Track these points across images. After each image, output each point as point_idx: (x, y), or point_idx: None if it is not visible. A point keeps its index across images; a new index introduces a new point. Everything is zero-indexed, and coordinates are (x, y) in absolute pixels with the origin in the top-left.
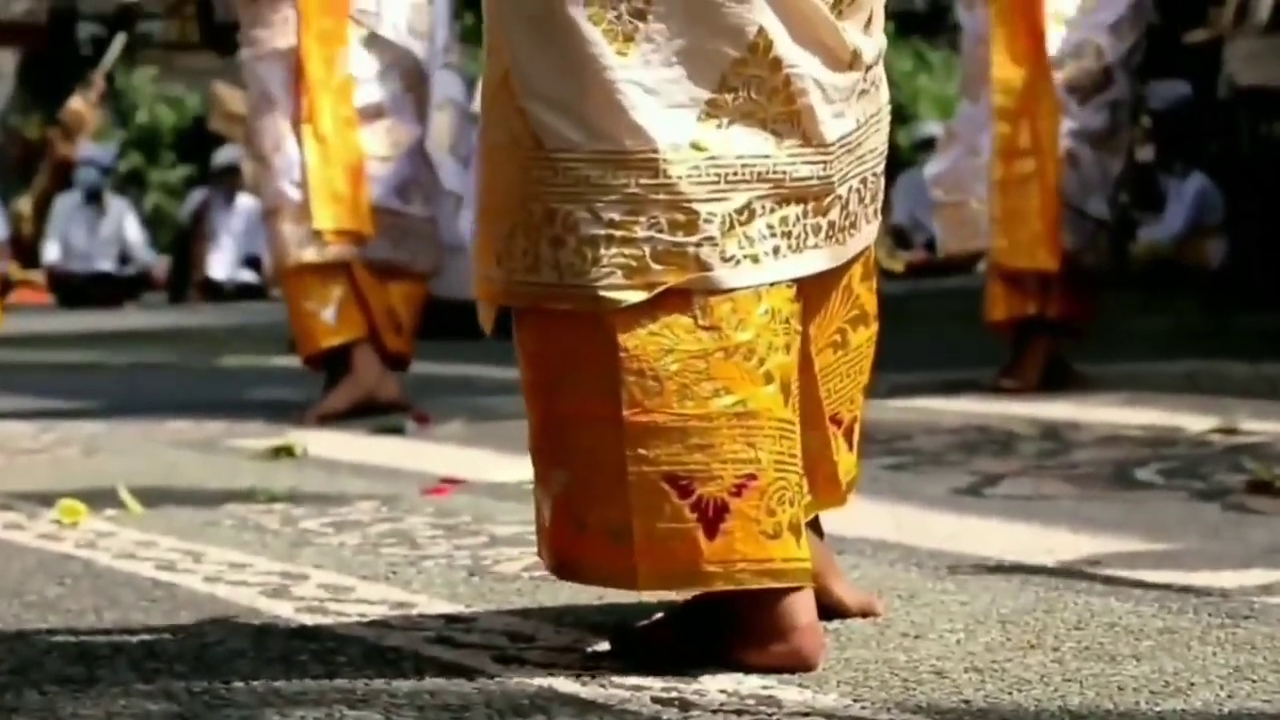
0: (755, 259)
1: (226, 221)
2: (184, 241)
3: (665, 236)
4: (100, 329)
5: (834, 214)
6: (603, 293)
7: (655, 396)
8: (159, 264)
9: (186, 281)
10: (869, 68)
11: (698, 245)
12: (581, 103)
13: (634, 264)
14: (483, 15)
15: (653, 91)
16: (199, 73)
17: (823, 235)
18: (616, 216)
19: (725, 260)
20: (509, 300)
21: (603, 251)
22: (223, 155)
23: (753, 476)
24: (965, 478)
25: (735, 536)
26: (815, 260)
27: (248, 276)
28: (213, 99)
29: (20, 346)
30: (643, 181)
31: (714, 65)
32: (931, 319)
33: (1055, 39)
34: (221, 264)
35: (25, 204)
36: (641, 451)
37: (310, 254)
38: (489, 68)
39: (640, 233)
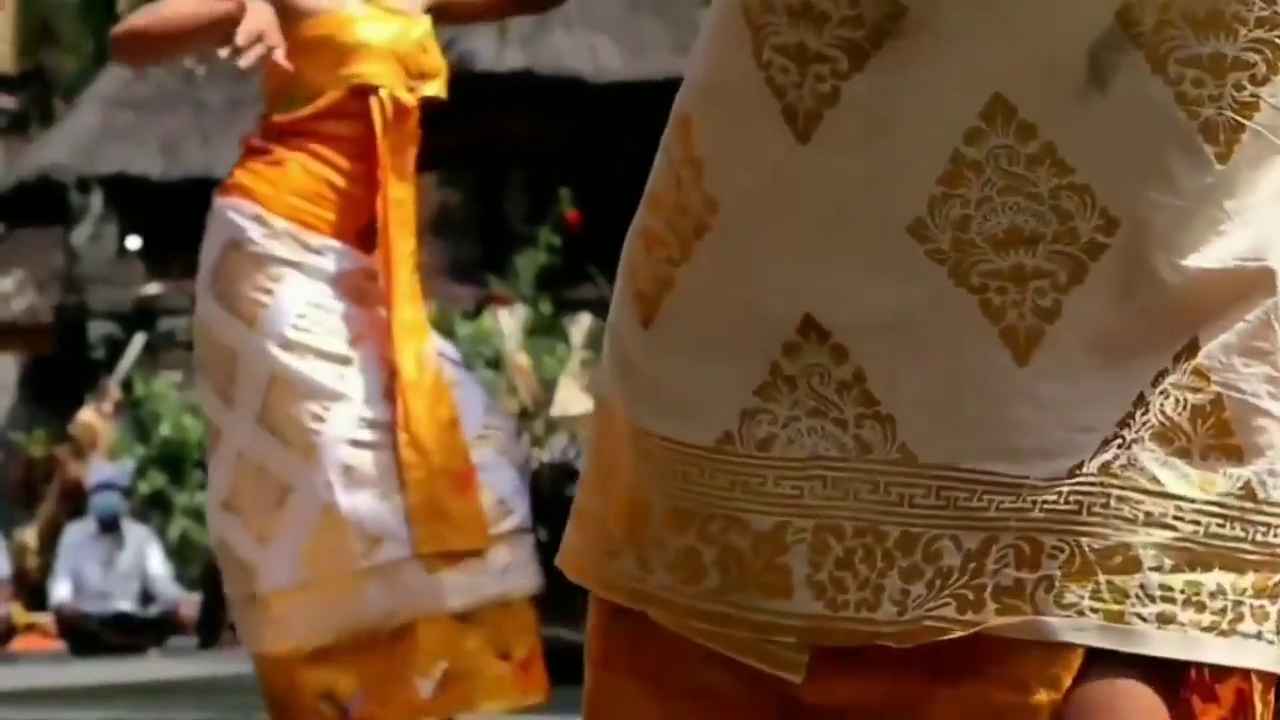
0: (1121, 618)
1: None
2: (215, 576)
3: (1010, 571)
4: (119, 681)
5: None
6: (928, 621)
7: None
8: (187, 602)
9: (219, 622)
10: None
11: (1036, 583)
12: (958, 411)
13: (971, 597)
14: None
15: (1048, 407)
16: None
17: (1272, 625)
18: (974, 546)
19: (1062, 608)
20: (848, 640)
21: (952, 581)
22: None
23: None
24: None
25: None
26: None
27: None
28: None
29: (26, 703)
30: (1003, 506)
31: (1134, 378)
32: None
33: None
34: None
35: (30, 535)
36: None
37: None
38: (818, 362)
39: (990, 564)
